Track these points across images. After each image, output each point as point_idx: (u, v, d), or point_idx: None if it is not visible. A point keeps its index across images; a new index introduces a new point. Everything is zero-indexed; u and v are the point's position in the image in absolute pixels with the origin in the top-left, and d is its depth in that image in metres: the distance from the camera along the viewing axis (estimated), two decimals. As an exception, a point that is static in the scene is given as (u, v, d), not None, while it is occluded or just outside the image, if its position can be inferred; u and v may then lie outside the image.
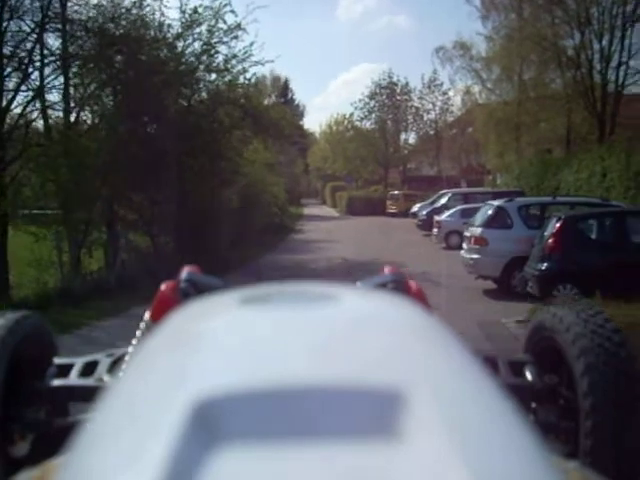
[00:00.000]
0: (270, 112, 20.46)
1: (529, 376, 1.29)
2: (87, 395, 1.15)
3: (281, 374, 0.39)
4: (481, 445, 0.33)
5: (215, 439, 0.35)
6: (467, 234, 13.81)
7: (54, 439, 1.08)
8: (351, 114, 47.96)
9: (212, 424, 0.35)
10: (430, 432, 0.34)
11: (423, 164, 49.70)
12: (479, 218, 13.79)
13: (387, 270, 1.22)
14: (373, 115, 46.71)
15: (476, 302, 12.34)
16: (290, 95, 56.99)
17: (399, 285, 1.16)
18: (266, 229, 27.60)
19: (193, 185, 18.10)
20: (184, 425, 0.35)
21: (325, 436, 0.35)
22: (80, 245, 15.26)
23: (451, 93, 43.18)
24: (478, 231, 13.29)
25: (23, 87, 15.30)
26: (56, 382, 1.26)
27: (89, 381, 1.25)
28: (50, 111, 16.38)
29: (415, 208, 32.98)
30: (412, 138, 48.64)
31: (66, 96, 15.97)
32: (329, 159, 50.36)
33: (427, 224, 27.90)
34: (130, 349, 1.21)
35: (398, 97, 45.94)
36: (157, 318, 1.09)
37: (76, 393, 1.26)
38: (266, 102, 20.12)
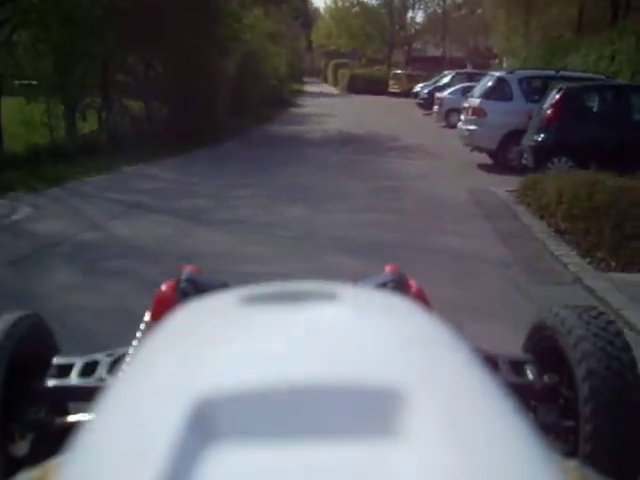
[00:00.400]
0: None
1: (529, 375, 1.27)
2: (87, 395, 1.13)
3: (281, 373, 0.38)
4: (482, 444, 0.33)
5: (215, 439, 0.35)
6: (465, 105, 13.53)
7: (54, 439, 1.11)
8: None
9: (212, 424, 0.35)
10: (431, 431, 0.34)
11: (428, 45, 48.56)
12: (478, 89, 13.49)
13: (387, 269, 1.19)
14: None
15: (469, 174, 12.24)
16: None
17: (399, 284, 1.15)
18: (264, 102, 27.10)
19: (190, 50, 17.67)
20: (184, 425, 0.34)
21: (326, 435, 0.35)
22: (73, 109, 15.08)
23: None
24: (477, 102, 13.01)
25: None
26: (56, 382, 1.25)
27: (89, 381, 1.24)
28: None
29: (417, 88, 32.40)
30: (419, 17, 47.32)
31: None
32: (333, 35, 49.07)
33: (428, 103, 27.40)
34: (130, 349, 1.20)
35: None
36: (157, 318, 1.08)
37: (76, 393, 1.26)
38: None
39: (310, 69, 65.65)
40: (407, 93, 34.93)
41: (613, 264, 5.96)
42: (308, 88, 45.70)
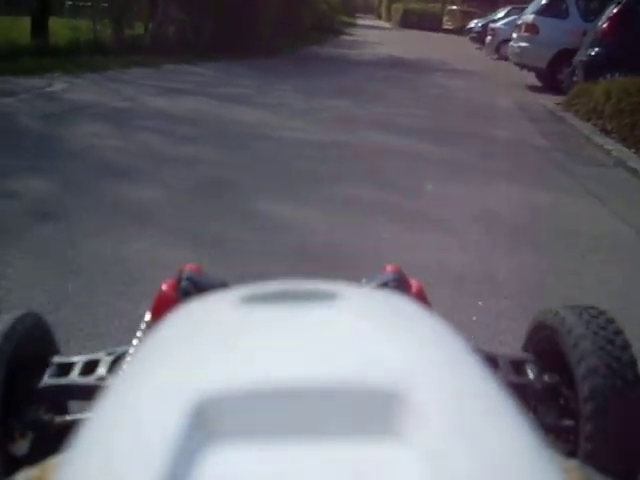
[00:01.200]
0: None
1: (530, 375, 1.27)
2: (87, 394, 1.15)
3: (282, 373, 0.39)
4: (482, 444, 0.34)
5: (216, 439, 0.35)
6: (519, 22, 13.06)
7: (54, 438, 1.12)
8: None
9: (212, 424, 0.36)
10: (431, 431, 0.34)
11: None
12: (533, 5, 12.98)
13: (389, 269, 1.18)
14: None
15: (518, 92, 11.90)
16: None
17: (400, 284, 1.14)
18: (314, 28, 26.61)
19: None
20: (184, 425, 0.35)
21: (325, 435, 0.35)
22: (120, 19, 15.07)
23: None
24: (530, 18, 12.55)
25: None
26: (56, 381, 1.25)
27: (89, 380, 1.24)
28: None
29: (471, 24, 31.57)
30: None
31: None
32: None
33: (481, 37, 26.66)
34: (130, 348, 1.20)
35: None
36: (157, 317, 1.08)
37: (76, 392, 1.25)
38: None
39: (364, 6, 64.42)
40: (461, 30, 34.07)
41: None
42: (360, 22, 44.90)
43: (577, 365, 1.16)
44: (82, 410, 1.25)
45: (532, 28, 12.35)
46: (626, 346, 1.17)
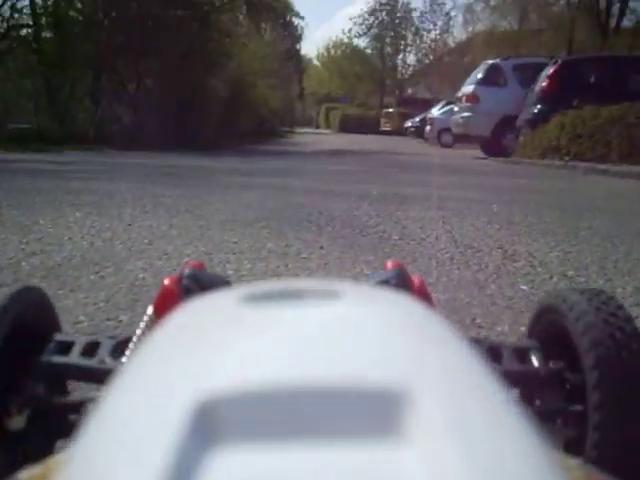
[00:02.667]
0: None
1: (535, 362, 1.25)
2: (86, 375, 1.20)
3: (284, 374, 0.38)
4: (483, 444, 0.34)
5: (217, 441, 0.35)
6: (459, 94, 13.35)
7: (51, 416, 1.14)
8: (349, 30, 47.17)
9: (214, 425, 0.35)
10: (432, 432, 0.34)
11: (420, 87, 49.12)
12: (472, 77, 13.32)
13: (390, 265, 1.19)
14: (372, 31, 46.03)
15: (467, 160, 12.03)
16: (289, 17, 55.18)
17: (402, 281, 1.13)
18: (255, 131, 27.08)
19: (180, 60, 17.82)
20: (185, 425, 0.35)
21: (327, 436, 0.35)
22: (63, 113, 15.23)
23: (453, 13, 42.44)
24: (470, 88, 12.85)
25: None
26: (56, 359, 1.25)
27: (90, 362, 1.23)
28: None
29: (409, 123, 32.62)
30: (411, 60, 48.01)
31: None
32: (325, 79, 49.62)
33: (420, 131, 27.48)
34: (133, 337, 1.20)
35: (398, 14, 45.23)
36: (160, 313, 1.11)
37: (75, 372, 1.25)
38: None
39: (302, 119, 66.35)
40: (400, 132, 35.11)
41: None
42: (299, 130, 46.06)
43: (586, 353, 1.12)
44: (79, 390, 1.27)
45: (473, 98, 12.61)
46: (636, 333, 1.13)
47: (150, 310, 1.20)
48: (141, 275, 2.52)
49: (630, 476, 0.99)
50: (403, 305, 0.57)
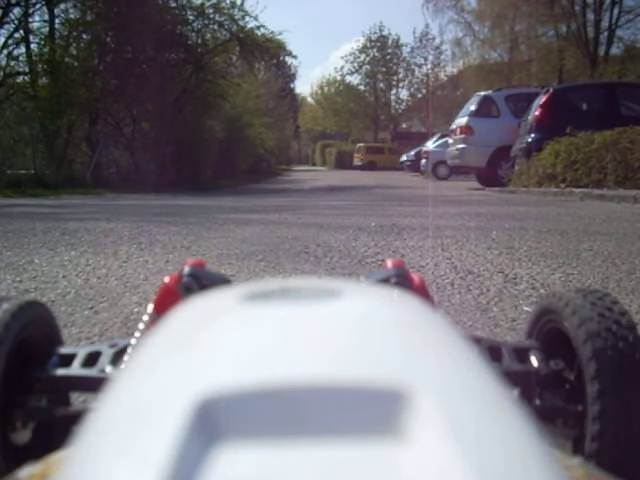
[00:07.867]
0: (256, 35, 19.83)
1: (534, 362, 1.27)
2: (89, 385, 1.20)
3: (283, 373, 0.39)
4: (484, 444, 0.34)
5: (218, 439, 0.35)
6: (453, 127, 13.39)
7: (55, 428, 1.15)
8: (342, 67, 47.68)
9: (214, 424, 0.36)
10: (433, 431, 0.35)
11: (414, 120, 49.40)
12: (465, 109, 13.37)
13: (390, 264, 1.19)
14: (364, 68, 46.44)
15: (463, 191, 12.03)
16: (282, 57, 55.79)
17: (402, 280, 1.14)
18: (252, 170, 27.17)
19: (176, 102, 17.98)
20: (186, 424, 0.35)
21: (327, 434, 0.36)
22: (60, 158, 15.34)
23: (444, 47, 42.92)
24: (464, 120, 12.88)
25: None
26: (58, 371, 1.27)
27: (91, 372, 1.26)
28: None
29: (404, 157, 32.75)
30: (404, 95, 48.38)
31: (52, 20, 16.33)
32: (319, 116, 49.93)
33: (416, 165, 27.55)
34: (133, 341, 1.22)
35: (389, 50, 45.70)
36: (160, 312, 1.12)
37: (78, 383, 1.28)
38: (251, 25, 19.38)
39: (298, 157, 66.66)
40: (395, 167, 35.24)
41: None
42: (295, 168, 46.20)
43: (583, 346, 1.12)
44: (83, 402, 1.28)
45: (467, 130, 12.65)
46: (632, 326, 1.13)
47: (150, 308, 1.21)
48: (136, 309, 2.47)
49: (630, 466, 0.98)
50: (403, 303, 0.57)
